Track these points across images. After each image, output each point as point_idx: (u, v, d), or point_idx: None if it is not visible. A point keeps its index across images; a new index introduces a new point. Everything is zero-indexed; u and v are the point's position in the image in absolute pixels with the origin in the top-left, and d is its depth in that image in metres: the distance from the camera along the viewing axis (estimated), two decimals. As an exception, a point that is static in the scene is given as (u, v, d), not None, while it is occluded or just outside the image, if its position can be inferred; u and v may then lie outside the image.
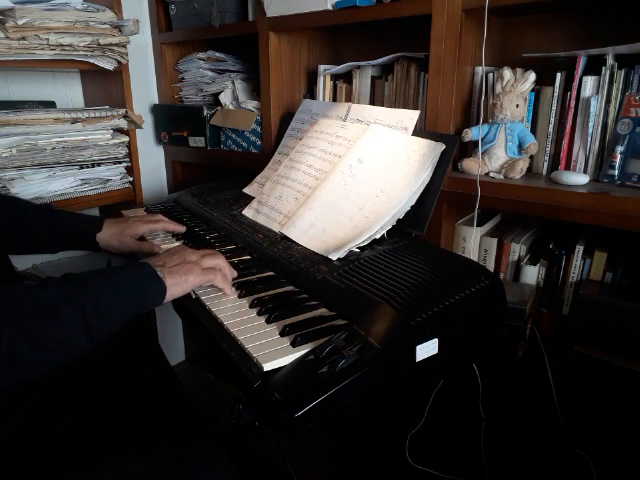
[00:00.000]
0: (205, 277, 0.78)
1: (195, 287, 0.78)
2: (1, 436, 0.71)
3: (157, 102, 1.69)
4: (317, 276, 0.83)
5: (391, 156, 1.01)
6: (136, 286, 0.71)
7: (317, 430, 0.57)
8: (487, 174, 1.04)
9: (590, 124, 0.95)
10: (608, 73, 0.92)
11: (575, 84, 0.95)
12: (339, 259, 0.87)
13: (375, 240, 0.91)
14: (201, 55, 1.53)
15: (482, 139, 1.02)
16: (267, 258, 0.94)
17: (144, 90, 1.64)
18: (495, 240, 1.09)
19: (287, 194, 1.11)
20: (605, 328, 0.90)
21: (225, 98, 1.49)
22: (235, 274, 0.86)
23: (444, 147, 0.96)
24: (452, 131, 1.03)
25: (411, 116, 1.04)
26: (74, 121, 1.32)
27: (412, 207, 0.94)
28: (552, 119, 1.01)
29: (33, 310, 0.60)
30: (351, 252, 0.88)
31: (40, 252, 1.02)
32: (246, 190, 1.28)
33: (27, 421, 0.74)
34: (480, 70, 1.05)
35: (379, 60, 1.18)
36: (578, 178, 0.92)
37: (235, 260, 0.93)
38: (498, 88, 1.01)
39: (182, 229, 1.08)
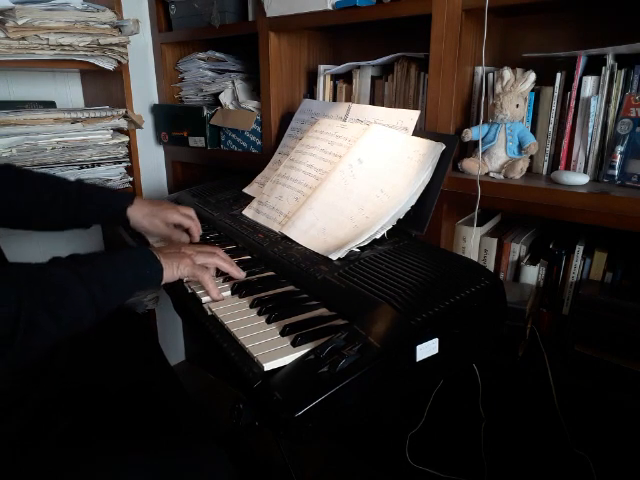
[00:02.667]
0: (194, 272, 0.80)
1: (183, 276, 0.80)
2: (1, 435, 0.71)
3: (157, 102, 1.69)
4: (317, 276, 0.83)
5: (391, 156, 1.01)
6: (135, 265, 0.75)
7: (317, 430, 0.57)
8: (487, 174, 1.04)
9: (590, 124, 0.95)
10: (608, 73, 0.92)
11: (575, 84, 0.96)
12: (339, 259, 0.87)
13: (375, 240, 0.91)
14: (201, 55, 1.53)
15: (482, 139, 1.02)
16: (267, 258, 0.94)
17: (144, 90, 1.64)
18: (495, 240, 1.09)
19: (287, 194, 1.11)
20: (605, 328, 0.90)
21: (225, 98, 1.49)
22: (242, 273, 0.86)
23: (444, 147, 0.96)
24: (452, 131, 1.03)
25: (411, 116, 1.04)
26: (74, 121, 1.32)
27: (412, 207, 0.94)
28: (552, 119, 1.01)
29: (49, 286, 0.64)
30: (351, 252, 0.88)
31: (74, 227, 1.03)
32: (246, 190, 1.28)
33: (27, 421, 0.74)
34: (480, 70, 1.05)
35: (379, 60, 1.18)
36: (578, 178, 0.92)
37: (235, 260, 0.93)
38: (498, 88, 1.01)
39: (197, 239, 1.06)
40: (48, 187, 0.98)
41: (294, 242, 0.97)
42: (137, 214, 1.01)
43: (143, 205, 1.02)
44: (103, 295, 0.68)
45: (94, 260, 0.71)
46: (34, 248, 1.50)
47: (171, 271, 0.78)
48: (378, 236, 0.91)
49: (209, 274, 0.81)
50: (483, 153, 1.03)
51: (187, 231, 1.04)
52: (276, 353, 0.64)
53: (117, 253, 0.76)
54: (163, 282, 0.78)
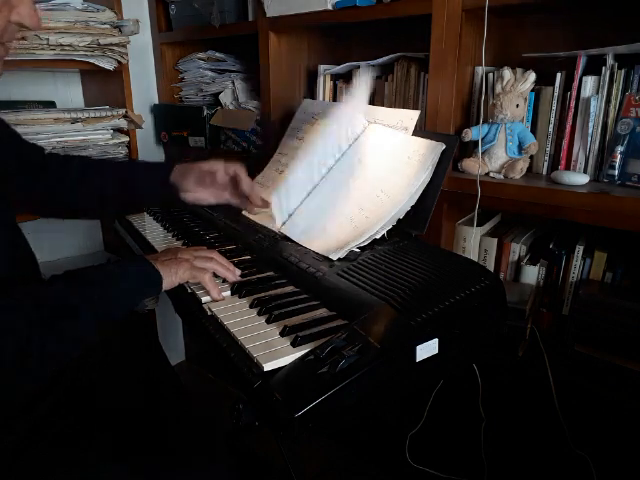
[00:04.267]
0: (193, 274, 0.80)
1: (183, 281, 0.80)
2: (4, 434, 0.71)
3: (157, 102, 1.69)
4: (317, 276, 0.83)
5: (391, 156, 1.01)
6: (134, 277, 0.75)
7: (317, 430, 0.57)
8: (487, 174, 1.04)
9: (590, 124, 0.95)
10: (608, 73, 0.92)
11: (575, 84, 0.96)
12: (339, 259, 0.87)
13: (375, 240, 0.91)
14: (201, 55, 1.53)
15: (482, 139, 1.02)
16: (267, 258, 0.94)
17: (144, 90, 1.64)
18: (495, 240, 1.09)
19: (287, 194, 1.11)
20: (605, 328, 0.90)
21: (225, 98, 1.49)
22: (236, 273, 0.86)
23: (444, 147, 0.96)
24: (452, 131, 1.03)
25: (411, 116, 1.04)
26: (74, 121, 1.32)
27: (412, 207, 0.94)
28: (552, 119, 1.01)
29: (55, 309, 0.64)
30: (351, 252, 0.88)
31: (125, 211, 1.08)
32: (246, 190, 1.27)
33: (29, 419, 0.75)
34: (480, 70, 1.05)
35: (379, 60, 1.18)
36: (578, 178, 0.92)
37: (235, 260, 0.93)
38: (498, 88, 1.01)
39: (250, 183, 0.98)
40: (106, 175, 1.00)
41: (294, 242, 0.97)
42: (181, 180, 0.98)
43: (183, 170, 0.98)
44: (105, 312, 0.69)
45: (92, 275, 0.72)
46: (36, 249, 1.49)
47: (170, 279, 0.78)
48: (378, 236, 0.91)
49: (209, 274, 0.81)
50: (483, 153, 1.03)
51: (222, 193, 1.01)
52: (276, 353, 0.64)
53: (114, 267, 0.76)
54: (163, 290, 0.78)
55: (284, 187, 1.04)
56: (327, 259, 0.88)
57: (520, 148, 1.02)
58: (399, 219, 0.93)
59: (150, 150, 1.70)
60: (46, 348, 0.62)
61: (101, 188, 1.00)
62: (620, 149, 0.90)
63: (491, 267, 1.10)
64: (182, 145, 1.58)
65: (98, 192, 1.00)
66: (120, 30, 1.33)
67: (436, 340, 0.66)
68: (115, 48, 1.33)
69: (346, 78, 1.31)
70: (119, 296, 0.72)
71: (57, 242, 1.53)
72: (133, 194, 1.03)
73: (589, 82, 0.94)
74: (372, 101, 1.26)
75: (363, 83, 1.05)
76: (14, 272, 0.78)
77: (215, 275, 0.86)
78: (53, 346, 0.63)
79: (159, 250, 1.02)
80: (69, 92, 1.54)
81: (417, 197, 0.94)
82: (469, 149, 1.10)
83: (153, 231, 1.15)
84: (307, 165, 1.11)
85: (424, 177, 0.95)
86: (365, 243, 0.90)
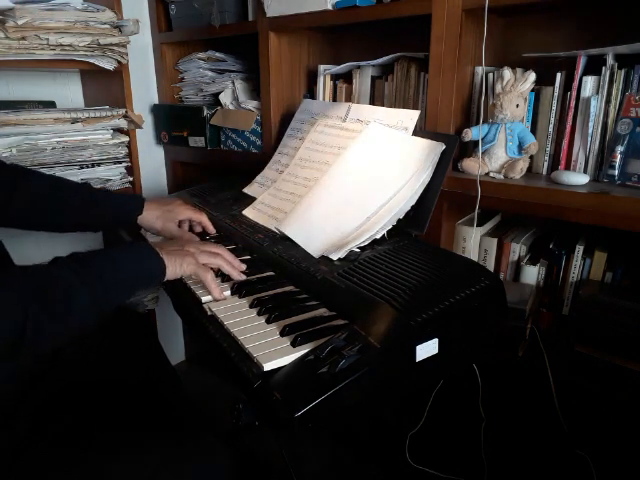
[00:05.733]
0: (197, 271, 0.80)
1: (186, 275, 0.80)
2: (4, 434, 0.71)
3: (157, 102, 1.69)
4: (317, 276, 0.83)
5: (391, 156, 1.01)
6: (137, 262, 0.75)
7: (317, 430, 0.57)
8: (487, 174, 1.04)
9: (590, 124, 0.95)
10: (608, 73, 0.92)
11: (575, 84, 0.95)
12: (339, 259, 0.87)
13: (375, 240, 0.91)
14: (201, 55, 1.53)
15: (482, 139, 1.02)
16: (267, 258, 0.94)
17: (144, 90, 1.64)
18: (495, 240, 1.09)
19: (287, 194, 1.11)
20: (605, 328, 0.90)
21: (225, 98, 1.49)
22: (241, 267, 0.87)
23: (444, 147, 0.96)
24: (452, 131, 1.03)
25: (411, 116, 1.04)
26: (74, 121, 1.32)
27: (412, 207, 0.94)
28: (552, 119, 1.01)
29: (53, 290, 0.64)
30: (351, 252, 0.88)
31: (85, 231, 1.05)
32: (246, 190, 1.28)
33: (30, 420, 0.75)
34: (480, 70, 1.05)
35: (379, 60, 1.18)
36: (578, 178, 0.92)
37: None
38: (498, 88, 1.01)
39: (213, 229, 1.09)
40: (57, 189, 0.99)
41: (294, 242, 0.97)
42: (148, 218, 1.02)
43: (153, 208, 1.03)
44: (105, 295, 0.68)
45: (95, 259, 0.71)
46: (34, 249, 1.49)
47: (174, 268, 0.78)
48: (378, 236, 0.91)
49: (211, 274, 0.81)
50: (483, 153, 1.03)
51: (191, 230, 1.04)
52: (276, 353, 0.64)
53: (118, 250, 0.76)
54: (166, 279, 0.77)
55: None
56: (327, 259, 0.88)
57: (520, 148, 1.02)
58: (399, 219, 0.93)
59: (150, 150, 1.70)
60: (41, 327, 0.61)
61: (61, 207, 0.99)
62: (620, 149, 0.90)
63: (491, 267, 1.10)
64: (182, 145, 1.58)
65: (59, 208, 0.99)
66: (120, 30, 1.33)
67: (436, 340, 0.66)
68: (115, 48, 1.32)
69: (346, 78, 1.31)
70: (120, 281, 0.71)
71: (57, 242, 1.52)
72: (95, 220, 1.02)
73: (589, 82, 0.94)
74: (372, 101, 1.26)
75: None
76: None
77: (218, 271, 0.86)
78: (48, 326, 0.62)
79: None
80: (69, 92, 1.54)
81: (417, 197, 0.94)
82: (469, 149, 1.10)
83: (153, 231, 1.14)
84: (307, 167, 1.11)
85: (424, 177, 0.95)
86: (365, 243, 0.90)
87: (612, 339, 0.89)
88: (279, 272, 0.89)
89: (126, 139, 1.43)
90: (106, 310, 0.69)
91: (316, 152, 1.14)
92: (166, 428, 0.79)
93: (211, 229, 1.08)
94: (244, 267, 0.88)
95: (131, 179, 1.48)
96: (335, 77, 1.33)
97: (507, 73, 1.00)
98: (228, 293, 0.82)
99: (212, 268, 0.84)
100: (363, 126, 1.10)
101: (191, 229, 1.09)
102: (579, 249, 0.99)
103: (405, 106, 1.17)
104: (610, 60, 0.92)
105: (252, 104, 1.42)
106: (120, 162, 1.45)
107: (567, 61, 0.97)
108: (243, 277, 0.86)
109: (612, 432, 0.94)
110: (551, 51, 0.99)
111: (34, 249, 1.50)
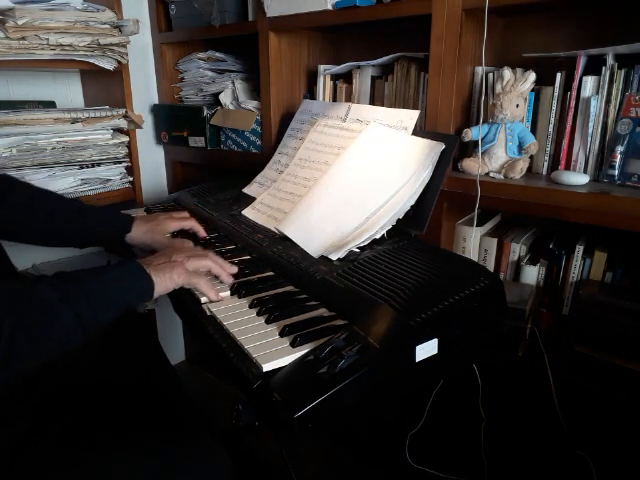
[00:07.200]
0: (189, 280, 0.79)
1: (178, 286, 0.79)
2: (4, 434, 0.71)
3: (157, 102, 1.69)
4: (317, 276, 0.83)
5: (391, 156, 1.01)
6: (124, 281, 0.74)
7: (317, 430, 0.57)
8: (487, 174, 1.04)
9: (590, 124, 0.95)
10: (608, 73, 0.92)
11: (575, 84, 0.95)
12: (339, 259, 0.87)
13: (375, 240, 0.91)
14: (201, 55, 1.53)
15: (482, 139, 1.02)
16: (267, 258, 0.94)
17: (144, 90, 1.64)
18: (495, 240, 1.09)
19: (287, 194, 1.11)
20: (605, 328, 0.90)
21: (225, 98, 1.49)
22: (232, 270, 0.86)
23: (444, 147, 0.96)
24: (452, 131, 1.03)
25: (411, 116, 1.04)
26: (74, 121, 1.32)
27: (412, 207, 0.94)
28: (552, 119, 1.01)
29: (32, 309, 0.62)
30: (351, 252, 0.88)
31: (68, 246, 1.04)
32: (246, 190, 1.28)
33: (29, 420, 0.75)
34: (480, 70, 1.05)
35: (379, 60, 1.18)
36: (578, 178, 0.92)
37: (235, 260, 0.93)
38: (498, 88, 1.01)
39: (204, 234, 1.08)
40: (41, 201, 0.98)
41: (293, 242, 0.97)
42: (136, 236, 1.02)
43: (140, 225, 1.02)
44: (90, 314, 0.66)
45: (80, 278, 0.69)
46: (34, 253, 1.50)
47: (164, 284, 0.76)
48: (378, 236, 0.91)
49: (204, 279, 0.80)
50: (483, 153, 1.03)
51: (184, 234, 1.04)
52: (275, 353, 0.64)
53: (105, 269, 0.75)
54: (155, 296, 0.76)
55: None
56: (326, 259, 0.88)
57: (520, 148, 1.02)
58: (399, 219, 0.93)
59: (150, 150, 1.70)
60: (13, 346, 0.59)
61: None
62: (620, 149, 0.90)
63: (491, 267, 1.10)
64: (182, 145, 1.58)
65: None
66: (120, 30, 1.33)
67: (436, 340, 0.66)
68: (115, 48, 1.33)
69: (346, 78, 1.31)
70: (106, 300, 0.70)
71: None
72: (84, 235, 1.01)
73: (589, 82, 0.94)
74: (372, 101, 1.26)
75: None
76: None
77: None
78: (22, 344, 0.59)
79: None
80: (69, 92, 1.54)
81: (417, 197, 0.94)
82: (469, 149, 1.10)
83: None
84: (307, 167, 1.11)
85: (424, 177, 0.95)
86: (365, 243, 0.90)
87: (612, 339, 0.89)
88: (279, 272, 0.89)
89: (126, 139, 1.44)
90: (91, 330, 0.67)
91: (316, 152, 1.14)
92: (166, 428, 0.79)
93: (202, 234, 1.07)
94: (235, 269, 0.87)
95: (131, 179, 1.48)
96: (335, 77, 1.33)
97: (507, 73, 1.00)
98: (227, 293, 0.82)
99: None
100: (363, 126, 1.10)
101: (187, 235, 1.09)
102: (579, 249, 0.99)
103: (405, 106, 1.17)
104: (610, 60, 0.92)
105: (252, 104, 1.42)
106: (120, 162, 1.45)
107: (567, 61, 0.97)
108: (231, 280, 0.85)
109: (612, 432, 0.94)
110: (551, 51, 0.99)
111: (34, 253, 1.50)
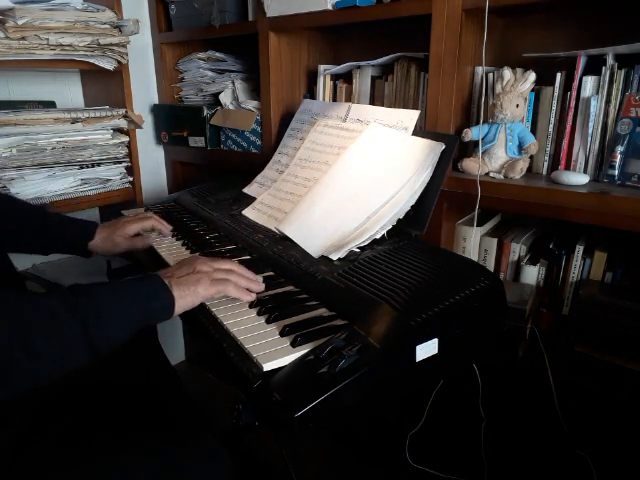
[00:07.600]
0: (215, 288, 0.74)
1: (206, 299, 0.74)
2: (4, 434, 0.71)
3: (157, 102, 1.69)
4: (317, 276, 0.83)
5: (391, 156, 1.01)
6: (141, 297, 0.68)
7: (317, 430, 0.57)
8: (487, 174, 1.04)
9: (590, 124, 0.95)
10: (608, 73, 0.92)
11: (575, 84, 0.95)
12: (339, 259, 0.87)
13: (375, 240, 0.91)
14: (201, 55, 1.53)
15: (482, 139, 1.02)
16: (267, 258, 0.94)
17: (144, 90, 1.64)
18: (495, 240, 1.09)
19: (287, 194, 1.11)
20: (605, 328, 0.90)
21: (225, 98, 1.49)
22: (260, 285, 0.81)
23: (444, 147, 0.96)
24: (452, 131, 1.03)
25: (411, 116, 1.04)
26: (74, 121, 1.32)
27: (412, 207, 0.94)
28: (552, 119, 1.01)
29: (35, 322, 0.57)
30: (351, 252, 0.88)
31: (34, 253, 1.02)
32: (246, 190, 1.28)
33: (29, 419, 0.75)
34: (480, 70, 1.05)
35: (379, 60, 1.18)
36: (578, 178, 0.92)
37: (235, 260, 0.93)
38: (498, 88, 1.01)
39: (168, 228, 1.09)
40: (13, 207, 0.98)
41: (294, 242, 0.97)
42: (97, 243, 1.01)
43: (102, 232, 1.02)
44: (98, 328, 0.60)
45: (93, 290, 0.64)
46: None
47: (190, 299, 0.71)
48: (378, 236, 0.91)
49: (232, 284, 0.76)
50: (483, 153, 1.03)
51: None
52: (275, 353, 0.64)
53: (123, 283, 0.69)
54: (178, 312, 0.70)
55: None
56: (327, 259, 0.88)
57: (520, 148, 1.02)
58: (399, 219, 0.93)
59: (150, 150, 1.70)
60: (10, 363, 0.54)
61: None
62: (620, 149, 0.90)
63: (491, 267, 1.10)
64: (182, 145, 1.58)
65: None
66: (120, 30, 1.33)
67: (436, 340, 0.66)
68: (115, 48, 1.33)
69: (346, 78, 1.31)
70: (118, 314, 0.64)
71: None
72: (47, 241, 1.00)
73: (589, 82, 0.94)
74: (372, 101, 1.26)
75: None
76: None
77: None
78: (21, 361, 0.55)
79: (160, 251, 1.02)
80: (69, 92, 1.54)
81: (417, 197, 0.94)
82: (469, 149, 1.10)
83: (153, 231, 1.14)
84: (307, 167, 1.11)
85: (424, 177, 0.95)
86: (365, 243, 0.90)
87: (612, 339, 0.89)
88: (279, 272, 0.89)
89: (126, 139, 1.44)
90: (102, 348, 0.61)
91: (316, 152, 1.14)
92: (166, 428, 0.79)
93: (166, 230, 1.08)
94: (261, 286, 0.80)
95: (131, 179, 1.48)
96: (335, 77, 1.33)
97: (507, 73, 1.00)
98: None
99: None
100: (363, 126, 1.10)
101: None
102: (579, 249, 0.99)
103: (405, 106, 1.17)
104: (610, 60, 0.92)
105: (252, 104, 1.42)
106: (120, 162, 1.45)
107: (567, 61, 0.97)
108: (252, 297, 0.78)
109: (612, 432, 0.94)
110: (551, 51, 0.99)
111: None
